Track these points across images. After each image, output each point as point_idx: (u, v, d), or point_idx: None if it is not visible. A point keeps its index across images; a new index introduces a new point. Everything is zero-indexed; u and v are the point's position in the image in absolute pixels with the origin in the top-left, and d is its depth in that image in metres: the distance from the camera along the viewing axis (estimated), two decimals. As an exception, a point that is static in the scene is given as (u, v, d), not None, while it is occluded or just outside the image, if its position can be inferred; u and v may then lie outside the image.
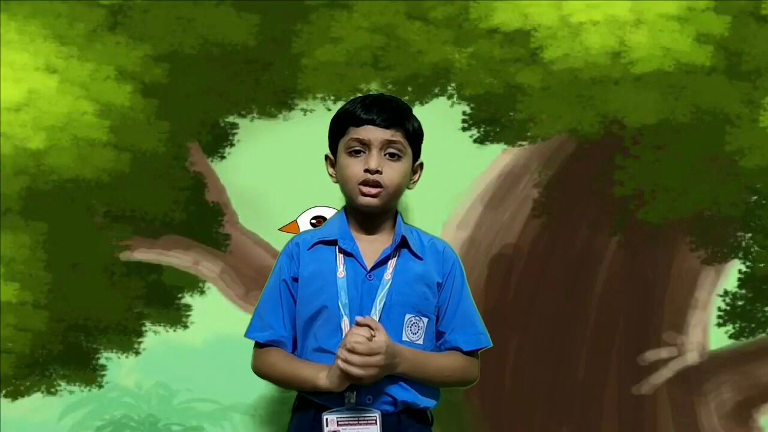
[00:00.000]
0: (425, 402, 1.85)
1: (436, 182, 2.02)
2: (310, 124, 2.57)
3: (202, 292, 2.58)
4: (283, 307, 1.89)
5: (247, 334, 1.93)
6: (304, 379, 1.81)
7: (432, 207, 2.44)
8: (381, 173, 1.84)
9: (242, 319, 2.12)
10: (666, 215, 2.56)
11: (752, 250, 2.57)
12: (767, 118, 2.52)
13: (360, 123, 1.86)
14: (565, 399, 2.56)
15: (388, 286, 1.83)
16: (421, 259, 1.89)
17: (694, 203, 2.56)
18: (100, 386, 2.56)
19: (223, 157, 2.61)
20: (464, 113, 2.59)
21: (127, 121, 2.54)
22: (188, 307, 2.58)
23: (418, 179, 1.96)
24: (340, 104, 2.56)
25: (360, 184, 1.85)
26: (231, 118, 2.62)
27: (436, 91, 2.59)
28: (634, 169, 2.58)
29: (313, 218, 2.35)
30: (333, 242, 1.88)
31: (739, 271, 2.57)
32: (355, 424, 1.78)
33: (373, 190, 1.84)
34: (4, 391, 2.53)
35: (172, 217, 2.58)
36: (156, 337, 2.56)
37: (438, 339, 1.92)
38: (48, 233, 2.53)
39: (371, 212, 1.88)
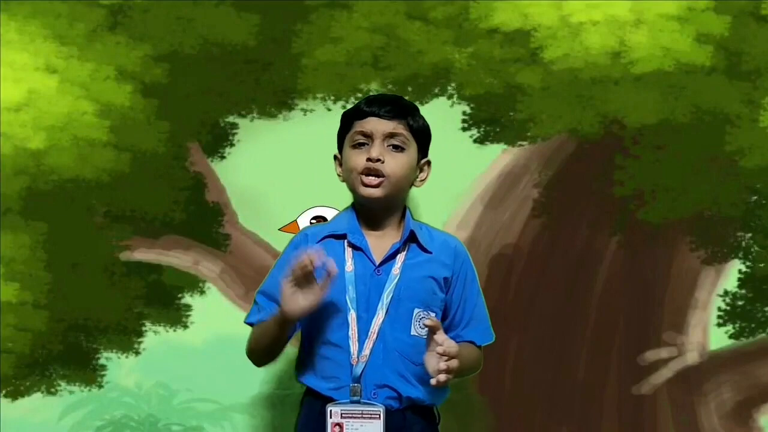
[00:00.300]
0: (431, 398, 1.85)
1: (436, 182, 2.01)
2: (310, 124, 2.57)
3: (202, 292, 2.58)
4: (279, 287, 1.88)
5: (245, 321, 1.94)
6: (273, 323, 1.82)
7: (432, 207, 2.43)
8: (383, 162, 1.84)
9: (242, 319, 2.12)
10: (666, 215, 2.56)
11: (752, 250, 2.57)
12: (767, 118, 2.52)
13: (363, 116, 1.88)
14: (565, 399, 2.56)
15: (396, 280, 1.84)
16: (430, 253, 1.89)
17: (694, 203, 2.56)
18: (100, 386, 2.56)
19: (223, 157, 2.61)
20: (464, 113, 2.60)
21: (127, 121, 2.54)
22: (188, 307, 2.58)
23: (426, 177, 1.95)
24: (340, 104, 2.58)
25: (362, 173, 1.85)
26: (231, 118, 2.62)
27: (436, 91, 2.59)
28: (634, 169, 2.58)
29: (313, 218, 2.35)
30: (342, 236, 1.88)
31: (739, 271, 2.57)
32: (358, 418, 1.78)
33: (375, 180, 1.84)
34: (4, 391, 2.53)
35: (172, 217, 2.58)
36: (156, 337, 2.56)
37: (446, 331, 1.92)
38: (48, 233, 2.53)
39: (375, 205, 1.89)
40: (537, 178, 2.61)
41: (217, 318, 2.55)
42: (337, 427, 1.78)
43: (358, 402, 1.79)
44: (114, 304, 2.56)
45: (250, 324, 1.93)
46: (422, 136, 1.92)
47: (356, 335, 1.81)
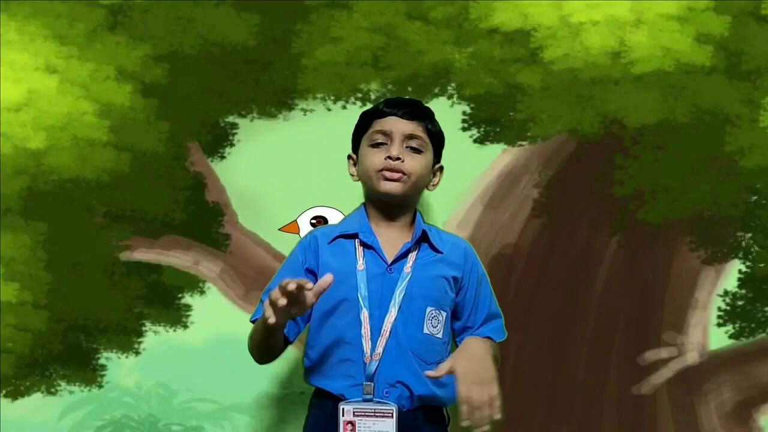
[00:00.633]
0: (442, 397, 1.85)
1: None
2: (310, 124, 2.57)
3: (202, 292, 2.58)
4: None
5: (250, 319, 1.95)
6: (261, 323, 1.79)
7: (432, 207, 2.44)
8: (403, 161, 1.87)
9: (242, 319, 2.12)
10: (666, 215, 2.56)
11: (752, 250, 2.57)
12: (767, 118, 2.52)
13: (383, 115, 1.92)
14: (565, 399, 2.56)
15: (407, 279, 1.85)
16: (441, 253, 1.90)
17: (694, 203, 2.56)
18: (100, 386, 2.56)
19: (223, 157, 2.61)
20: (464, 113, 2.60)
21: (127, 121, 2.54)
22: (188, 307, 2.58)
23: (438, 182, 2.00)
24: (340, 104, 2.58)
25: (381, 170, 1.87)
26: (231, 118, 2.62)
27: (436, 91, 2.59)
28: (634, 169, 2.58)
29: (313, 218, 2.35)
30: (353, 236, 1.90)
31: (739, 271, 2.57)
32: (371, 416, 1.78)
33: (396, 175, 1.87)
34: (4, 391, 2.53)
35: (172, 217, 2.58)
36: (156, 337, 2.56)
37: (461, 332, 1.93)
38: (48, 233, 2.53)
39: (392, 202, 1.89)
40: (537, 178, 2.61)
41: (217, 318, 2.55)
42: (350, 425, 1.78)
43: (371, 400, 1.79)
44: (114, 304, 2.56)
45: (252, 322, 1.94)
46: (438, 141, 1.97)
47: (369, 333, 1.82)
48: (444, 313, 1.88)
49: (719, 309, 2.56)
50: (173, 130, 2.57)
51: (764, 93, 2.54)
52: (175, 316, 2.57)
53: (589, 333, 2.57)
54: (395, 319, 1.83)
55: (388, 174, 1.87)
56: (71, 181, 2.52)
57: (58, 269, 2.53)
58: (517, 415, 2.56)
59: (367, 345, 1.81)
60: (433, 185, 1.99)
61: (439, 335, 1.87)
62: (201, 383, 2.55)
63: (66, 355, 2.54)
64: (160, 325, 2.57)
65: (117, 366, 2.56)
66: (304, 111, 2.59)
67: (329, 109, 2.57)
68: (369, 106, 2.35)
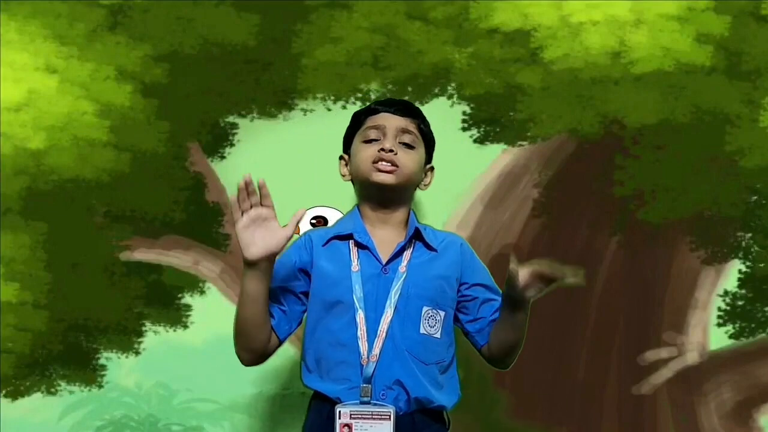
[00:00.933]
0: (440, 399, 1.84)
1: (436, 182, 2.02)
2: (310, 124, 2.57)
3: (202, 292, 2.58)
4: (277, 283, 1.87)
5: None
6: (242, 289, 1.80)
7: (432, 207, 2.43)
8: (396, 154, 1.87)
9: (242, 319, 2.11)
10: (666, 215, 2.56)
11: (752, 250, 2.57)
12: (767, 118, 2.52)
13: (376, 112, 1.92)
14: (565, 399, 2.56)
15: (403, 278, 1.84)
16: (435, 251, 1.89)
17: (694, 203, 2.56)
18: (100, 386, 2.56)
19: (223, 157, 2.62)
20: (464, 113, 2.60)
21: (127, 121, 2.54)
22: (188, 307, 2.58)
23: (430, 182, 1.99)
24: (340, 104, 2.58)
25: (375, 162, 1.87)
26: (231, 118, 2.62)
27: (436, 91, 2.59)
28: (634, 169, 2.58)
29: (313, 218, 2.35)
30: (347, 237, 1.89)
31: (739, 271, 2.57)
32: (368, 419, 1.77)
33: (389, 167, 1.86)
34: (4, 391, 2.53)
35: (172, 217, 2.58)
36: (156, 337, 2.56)
37: (477, 325, 1.91)
38: (48, 233, 2.53)
39: (385, 196, 1.89)
40: (537, 178, 2.60)
41: (217, 318, 2.54)
42: (346, 427, 1.77)
43: (368, 403, 1.78)
44: (114, 304, 2.56)
45: None
46: (429, 140, 1.97)
47: (365, 335, 1.80)
48: (442, 313, 1.86)
49: (719, 309, 2.56)
50: (173, 130, 2.57)
51: (764, 93, 2.54)
52: (175, 316, 2.57)
53: (589, 333, 2.57)
54: (391, 319, 1.81)
55: (381, 165, 1.86)
56: (71, 181, 2.52)
57: (58, 269, 2.53)
58: (517, 415, 2.56)
59: (363, 347, 1.80)
60: (425, 185, 1.97)
61: (437, 335, 1.85)
62: (201, 383, 2.55)
63: (66, 355, 2.54)
64: (160, 325, 2.57)
65: (117, 366, 2.56)
66: (304, 111, 2.59)
67: (329, 109, 2.57)
68: (369, 106, 2.35)
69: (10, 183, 2.52)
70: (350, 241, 1.88)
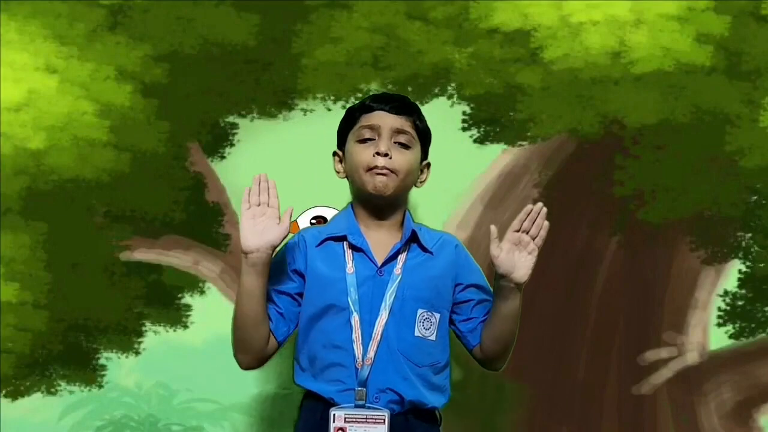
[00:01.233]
0: (432, 401, 1.84)
1: (436, 182, 2.01)
2: (310, 124, 2.57)
3: (202, 292, 2.58)
4: (272, 285, 1.86)
5: None
6: (239, 286, 1.82)
7: (432, 207, 2.43)
8: (391, 158, 1.83)
9: (242, 319, 2.11)
10: (666, 215, 2.56)
11: (752, 250, 2.57)
12: (767, 118, 2.52)
13: (371, 110, 1.87)
14: (565, 399, 2.56)
15: (398, 280, 1.82)
16: (431, 253, 1.88)
17: (694, 203, 2.56)
18: (100, 386, 2.56)
19: (223, 157, 2.62)
20: (464, 113, 2.60)
21: (127, 121, 2.54)
22: (188, 307, 2.58)
23: (426, 179, 1.95)
24: (340, 104, 2.58)
25: (370, 169, 1.83)
26: (231, 118, 2.62)
27: (436, 91, 2.59)
28: (634, 169, 2.58)
29: (313, 218, 2.35)
30: (341, 238, 1.86)
31: (739, 271, 2.57)
32: (362, 422, 1.76)
33: (384, 178, 1.83)
34: (4, 391, 2.53)
35: (172, 217, 2.58)
36: (156, 337, 2.57)
37: (469, 325, 1.91)
38: (48, 233, 2.53)
39: (380, 202, 1.87)
40: (537, 178, 2.61)
41: (217, 318, 2.54)
42: (341, 431, 1.77)
43: (362, 406, 1.78)
44: (114, 304, 2.56)
45: None
46: (425, 137, 1.92)
47: (360, 338, 1.79)
48: (437, 315, 1.84)
49: (719, 309, 2.56)
50: (173, 130, 2.57)
51: (764, 93, 2.54)
52: (175, 316, 2.57)
53: (589, 333, 2.57)
54: (386, 322, 1.80)
55: (376, 172, 1.83)
56: (71, 181, 2.52)
57: (58, 269, 2.53)
58: (517, 415, 2.56)
59: (358, 350, 1.78)
60: (421, 182, 1.93)
61: (432, 338, 1.84)
62: (201, 383, 2.55)
63: (66, 355, 2.55)
64: (160, 325, 2.57)
65: (117, 366, 2.56)
66: (304, 111, 2.59)
67: (329, 109, 2.57)
68: (369, 106, 2.34)
69: (10, 183, 2.52)
70: (344, 242, 1.86)
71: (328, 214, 2.33)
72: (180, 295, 2.58)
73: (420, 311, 1.83)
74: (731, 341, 2.56)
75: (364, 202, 1.89)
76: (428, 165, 1.94)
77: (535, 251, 1.84)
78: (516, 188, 2.61)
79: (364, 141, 1.86)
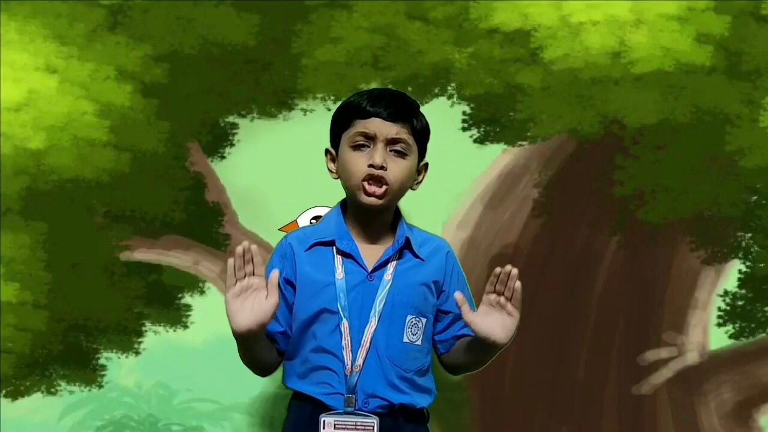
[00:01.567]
0: (421, 402, 1.84)
1: (436, 182, 2.01)
2: (310, 124, 2.57)
3: (202, 292, 2.58)
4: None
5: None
6: (237, 345, 1.81)
7: (432, 207, 2.43)
8: (386, 170, 1.79)
9: (242, 319, 2.11)
10: (666, 215, 2.56)
11: (752, 250, 2.57)
12: (767, 118, 2.52)
13: (366, 115, 1.81)
14: (565, 399, 2.56)
15: (388, 287, 1.81)
16: (422, 260, 1.86)
17: (694, 203, 2.56)
18: (100, 386, 2.56)
19: (223, 157, 2.62)
20: (464, 113, 2.60)
21: (127, 121, 2.54)
22: (188, 307, 2.58)
23: (422, 180, 1.91)
24: (340, 104, 2.58)
25: (364, 180, 1.79)
26: (231, 118, 2.62)
27: (436, 91, 2.59)
28: (634, 169, 2.58)
29: (313, 218, 2.34)
30: (330, 243, 1.84)
31: (739, 271, 2.57)
32: (352, 429, 1.77)
33: (379, 190, 1.79)
34: (4, 391, 2.53)
35: (172, 217, 2.58)
36: (156, 337, 2.56)
37: (442, 336, 1.91)
38: (48, 233, 2.53)
39: (372, 213, 1.86)
40: (537, 178, 2.61)
41: (217, 318, 2.52)
42: None
43: (352, 413, 1.77)
44: (114, 304, 2.56)
45: None
46: (423, 137, 1.88)
47: (350, 344, 1.78)
48: (424, 320, 1.84)
49: (719, 309, 2.56)
50: (173, 130, 2.57)
51: (764, 93, 2.54)
52: (175, 316, 2.57)
53: (589, 333, 2.57)
54: (375, 329, 1.79)
55: (369, 188, 1.78)
56: (71, 181, 2.53)
57: (58, 269, 2.53)
58: (517, 415, 2.56)
59: (348, 356, 1.78)
60: (417, 183, 1.90)
61: (419, 342, 1.83)
62: (201, 383, 2.55)
63: (66, 355, 2.55)
64: (160, 325, 2.57)
65: (117, 366, 2.56)
66: (304, 111, 2.59)
67: (329, 109, 2.57)
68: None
69: (10, 183, 2.52)
70: (333, 247, 1.83)
71: (328, 214, 2.32)
72: (180, 295, 2.58)
73: (409, 317, 1.82)
74: (731, 341, 2.56)
75: (353, 209, 1.87)
76: (426, 166, 1.91)
77: (515, 312, 1.79)
78: (516, 188, 2.61)
79: (357, 147, 1.82)
